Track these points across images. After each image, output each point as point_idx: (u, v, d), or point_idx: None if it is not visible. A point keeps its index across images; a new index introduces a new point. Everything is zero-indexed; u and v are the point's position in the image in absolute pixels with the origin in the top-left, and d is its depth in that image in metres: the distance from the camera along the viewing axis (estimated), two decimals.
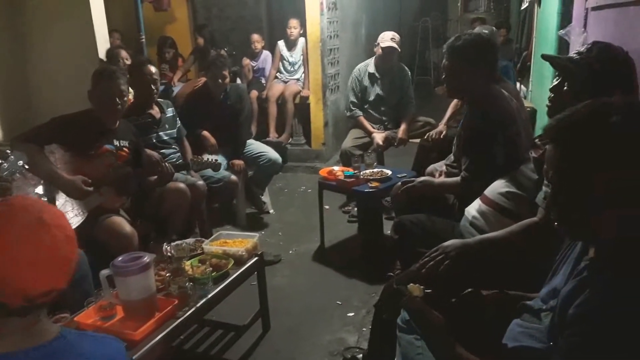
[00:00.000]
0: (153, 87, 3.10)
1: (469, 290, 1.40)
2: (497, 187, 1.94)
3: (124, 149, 2.72)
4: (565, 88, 1.72)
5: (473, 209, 1.97)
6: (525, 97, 5.15)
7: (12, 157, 2.08)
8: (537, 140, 1.82)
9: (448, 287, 1.44)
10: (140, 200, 2.85)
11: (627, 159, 0.93)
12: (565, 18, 3.41)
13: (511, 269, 1.68)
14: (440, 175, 2.63)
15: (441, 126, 3.76)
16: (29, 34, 3.77)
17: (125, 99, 2.64)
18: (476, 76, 2.16)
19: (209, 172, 3.36)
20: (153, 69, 3.12)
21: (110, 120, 2.66)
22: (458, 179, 2.25)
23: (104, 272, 1.87)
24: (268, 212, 4.13)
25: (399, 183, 2.53)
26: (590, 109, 0.99)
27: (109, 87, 2.57)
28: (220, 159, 3.70)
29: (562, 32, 2.87)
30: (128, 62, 3.74)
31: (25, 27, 3.76)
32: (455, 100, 4.10)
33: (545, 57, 1.81)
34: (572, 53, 1.85)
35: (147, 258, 1.87)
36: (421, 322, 1.26)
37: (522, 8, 6.20)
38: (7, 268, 0.90)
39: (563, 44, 3.18)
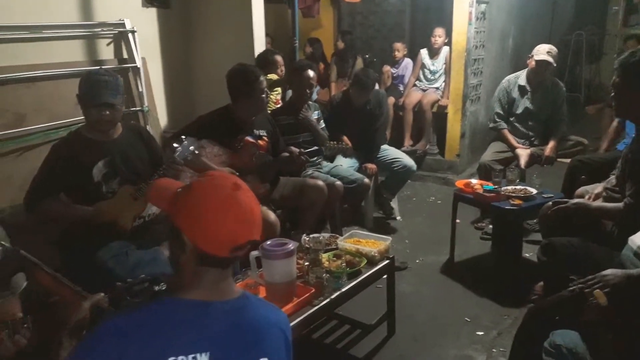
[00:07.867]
0: (309, 91, 3.33)
1: None
2: None
3: (264, 137, 2.91)
4: None
5: (639, 239, 1.78)
6: None
7: (186, 142, 2.33)
8: None
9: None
10: (278, 191, 3.00)
11: None
12: None
13: None
14: (592, 198, 2.42)
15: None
16: (196, 36, 4.20)
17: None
18: None
19: (342, 171, 3.48)
20: (312, 73, 3.33)
21: (253, 115, 2.86)
22: (620, 204, 2.06)
23: (254, 253, 2.02)
24: (395, 218, 4.13)
25: (550, 203, 2.38)
26: None
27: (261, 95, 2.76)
28: (354, 161, 3.80)
29: None
30: (282, 66, 3.99)
31: (193, 30, 4.19)
32: (615, 123, 3.76)
33: None
34: None
35: (292, 245, 1.99)
36: (592, 339, 1.19)
37: None
38: (220, 224, 1.05)
39: None
